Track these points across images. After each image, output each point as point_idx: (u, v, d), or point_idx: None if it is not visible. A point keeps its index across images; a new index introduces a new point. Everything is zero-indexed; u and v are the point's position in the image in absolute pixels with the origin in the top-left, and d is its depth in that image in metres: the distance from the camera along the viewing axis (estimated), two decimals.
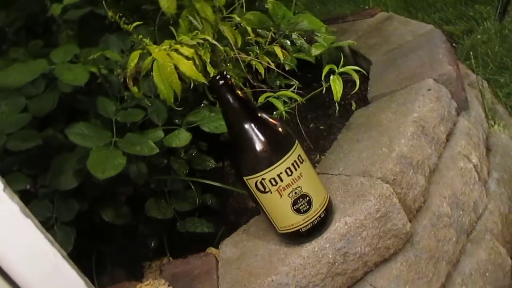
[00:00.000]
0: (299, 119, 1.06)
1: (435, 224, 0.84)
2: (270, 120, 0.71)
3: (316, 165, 0.97)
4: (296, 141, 0.71)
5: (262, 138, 0.68)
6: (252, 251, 0.79)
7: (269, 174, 0.68)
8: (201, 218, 0.93)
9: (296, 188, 0.69)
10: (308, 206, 0.71)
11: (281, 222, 0.73)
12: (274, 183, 0.68)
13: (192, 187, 0.94)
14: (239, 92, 0.69)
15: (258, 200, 0.71)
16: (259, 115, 0.70)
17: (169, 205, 0.91)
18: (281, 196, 0.69)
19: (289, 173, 0.68)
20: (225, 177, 1.08)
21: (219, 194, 1.01)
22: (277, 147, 0.69)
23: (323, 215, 0.72)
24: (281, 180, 0.68)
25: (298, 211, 0.70)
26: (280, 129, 0.71)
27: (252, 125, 0.68)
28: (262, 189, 0.69)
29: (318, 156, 1.03)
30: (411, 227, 0.80)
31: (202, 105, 0.99)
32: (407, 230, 0.78)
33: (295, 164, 0.69)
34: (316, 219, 0.72)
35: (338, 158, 0.91)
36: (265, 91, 0.98)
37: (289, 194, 0.69)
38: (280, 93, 0.94)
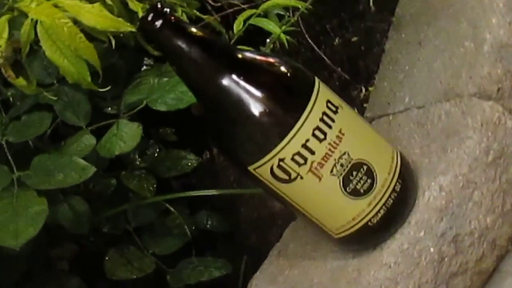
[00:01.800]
0: (312, 39, 1.06)
1: None
2: (262, 58, 0.71)
3: (364, 105, 0.97)
4: (316, 80, 0.71)
5: (257, 93, 0.68)
6: (302, 281, 0.81)
7: (288, 149, 0.68)
8: (204, 257, 0.95)
9: (340, 158, 0.69)
10: (370, 181, 0.71)
11: (334, 221, 0.73)
12: (301, 161, 0.68)
13: (171, 209, 0.95)
14: (195, 30, 0.69)
15: (284, 196, 0.72)
16: (240, 56, 0.70)
17: (144, 252, 0.93)
18: (320, 179, 0.69)
19: (321, 136, 0.68)
20: (221, 174, 1.09)
21: (221, 206, 1.02)
22: (287, 100, 0.69)
23: (398, 187, 0.73)
24: (312, 153, 0.68)
25: (355, 193, 0.71)
26: (282, 69, 0.71)
27: (234, 77, 0.68)
28: (286, 177, 0.69)
29: (362, 90, 1.04)
30: None
31: (144, 68, 0.99)
32: None
33: (325, 118, 0.69)
34: (389, 197, 0.72)
35: (396, 83, 0.91)
36: (241, 10, 0.97)
37: (331, 170, 0.69)
38: (266, 4, 0.94)
